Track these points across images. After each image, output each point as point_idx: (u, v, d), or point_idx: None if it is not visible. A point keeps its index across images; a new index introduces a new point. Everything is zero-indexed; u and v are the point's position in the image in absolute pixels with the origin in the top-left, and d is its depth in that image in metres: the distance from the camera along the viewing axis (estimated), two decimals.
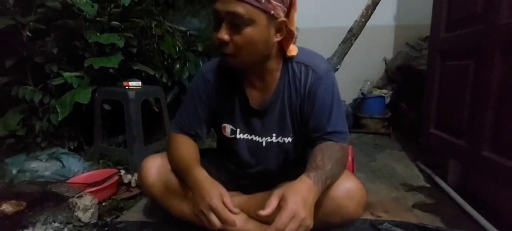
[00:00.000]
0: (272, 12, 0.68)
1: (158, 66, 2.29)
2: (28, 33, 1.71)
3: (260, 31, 0.69)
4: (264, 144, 0.88)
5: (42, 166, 1.33)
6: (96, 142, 1.73)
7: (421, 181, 1.48)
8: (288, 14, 0.72)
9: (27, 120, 1.78)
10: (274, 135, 0.87)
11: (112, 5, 1.85)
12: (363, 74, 2.76)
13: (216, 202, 0.66)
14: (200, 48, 2.65)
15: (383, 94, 2.49)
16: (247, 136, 0.89)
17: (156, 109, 2.10)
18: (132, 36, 1.83)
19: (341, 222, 0.77)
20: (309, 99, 0.80)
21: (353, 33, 1.67)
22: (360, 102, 2.55)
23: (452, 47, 1.30)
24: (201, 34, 2.81)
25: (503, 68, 0.99)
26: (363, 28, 1.70)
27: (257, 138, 0.88)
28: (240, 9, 0.65)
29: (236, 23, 0.67)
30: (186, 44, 2.60)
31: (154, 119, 2.11)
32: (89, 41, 1.67)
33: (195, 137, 0.89)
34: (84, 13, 1.71)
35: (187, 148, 0.86)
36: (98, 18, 1.77)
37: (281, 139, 0.87)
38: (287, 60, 0.81)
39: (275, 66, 0.80)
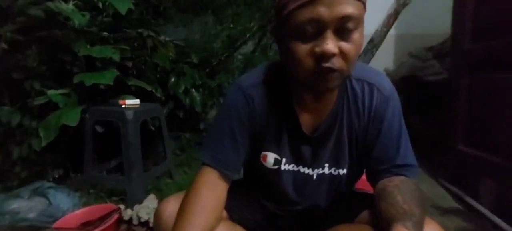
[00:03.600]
0: (365, 7, 0.54)
1: (151, 80, 2.10)
2: (4, 45, 1.48)
3: (363, 36, 0.56)
4: (315, 177, 0.73)
5: (24, 206, 1.11)
6: (86, 170, 1.50)
7: (451, 202, 1.38)
8: None
9: (3, 145, 1.53)
10: (326, 165, 0.72)
11: (104, 14, 1.66)
12: None
13: None
14: (195, 60, 2.49)
15: None
16: (293, 166, 0.73)
17: (153, 128, 1.90)
18: (128, 48, 1.63)
19: None
20: (374, 125, 0.66)
21: (374, 44, 1.59)
22: None
23: (483, 60, 1.23)
24: (195, 44, 2.66)
25: None
26: (384, 38, 1.62)
27: (306, 170, 0.73)
28: (354, 9, 0.51)
29: (346, 28, 0.52)
30: (179, 56, 2.42)
31: (150, 139, 1.91)
32: (79, 54, 1.46)
33: (232, 172, 0.71)
34: (72, 22, 1.51)
35: (203, 208, 0.64)
36: (87, 28, 1.57)
37: (335, 170, 0.72)
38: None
39: None
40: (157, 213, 0.73)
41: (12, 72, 1.53)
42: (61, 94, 1.51)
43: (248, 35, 2.72)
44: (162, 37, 2.27)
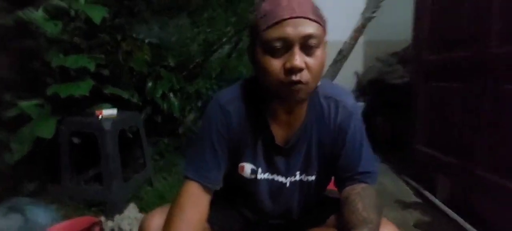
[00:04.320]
0: (325, 37, 0.63)
1: (127, 85, 2.08)
2: None
3: (325, 55, 0.64)
4: (288, 184, 0.80)
5: (1, 225, 1.08)
6: (63, 182, 1.48)
7: (412, 197, 1.54)
8: None
9: None
10: (298, 173, 0.80)
11: (76, 21, 1.63)
12: None
13: None
14: (171, 63, 2.48)
15: None
16: (268, 175, 0.80)
17: (130, 135, 1.89)
18: (102, 57, 1.62)
19: None
20: (340, 137, 0.75)
21: (343, 55, 1.70)
22: None
23: (439, 69, 1.38)
24: (171, 47, 2.64)
25: (493, 94, 1.06)
26: (352, 49, 1.74)
27: (280, 178, 0.80)
28: (316, 30, 0.59)
29: (310, 45, 0.60)
30: (156, 59, 2.41)
31: (127, 146, 1.90)
32: (52, 65, 1.43)
33: (213, 184, 0.77)
34: (44, 31, 1.47)
35: (187, 222, 0.69)
36: (59, 37, 1.54)
37: (304, 177, 0.80)
38: (313, 92, 0.75)
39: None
40: (142, 228, 0.77)
41: None
42: (34, 105, 1.48)
43: (224, 39, 2.76)
44: (138, 39, 2.25)
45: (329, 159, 0.78)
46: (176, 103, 2.26)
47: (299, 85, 0.62)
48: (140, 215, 1.29)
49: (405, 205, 1.44)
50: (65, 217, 1.31)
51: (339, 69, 1.76)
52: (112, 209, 1.37)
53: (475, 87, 1.14)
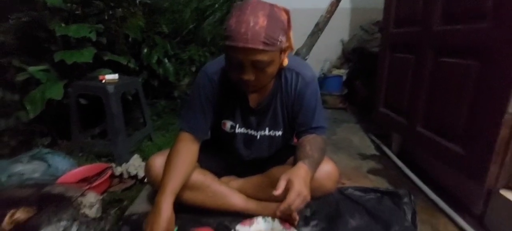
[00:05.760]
0: (283, 46, 0.81)
1: (123, 51, 2.22)
2: None
3: (276, 64, 0.83)
4: (258, 137, 1.05)
5: (28, 169, 1.33)
6: (74, 136, 1.72)
7: (372, 150, 1.82)
8: (287, 35, 0.86)
9: None
10: (267, 128, 1.04)
11: None
12: (323, 54, 3.02)
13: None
14: (165, 30, 2.59)
15: (340, 74, 2.80)
16: (243, 130, 1.05)
17: (130, 98, 2.10)
18: (102, 27, 1.76)
19: (321, 196, 1.01)
20: (298, 101, 0.98)
21: (320, 28, 1.87)
22: (321, 81, 2.83)
23: (398, 42, 1.58)
24: (165, 10, 2.71)
25: (432, 65, 1.28)
26: (328, 22, 1.90)
27: (253, 132, 1.05)
28: (264, 57, 0.77)
29: (259, 66, 0.78)
30: (150, 26, 2.52)
31: (128, 107, 2.11)
32: (56, 34, 1.58)
33: (201, 135, 1.01)
34: (46, 2, 1.60)
35: (181, 163, 0.93)
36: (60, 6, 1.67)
37: (272, 132, 1.05)
38: (280, 68, 0.96)
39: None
40: (148, 165, 1.03)
41: None
42: (41, 70, 1.66)
43: (216, 6, 2.85)
44: (131, 3, 2.32)
45: (290, 117, 1.02)
46: (171, 68, 2.41)
47: (250, 87, 0.85)
48: (143, 163, 1.55)
49: (365, 157, 1.72)
50: (79, 166, 1.56)
51: (316, 40, 1.93)
52: (118, 159, 1.63)
53: (420, 59, 1.35)
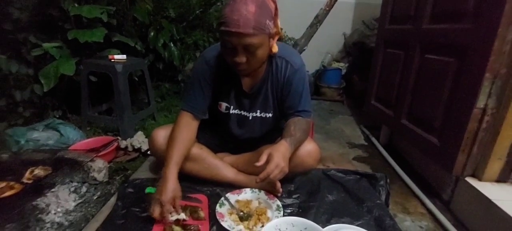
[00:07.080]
0: (271, 31, 0.91)
1: (131, 33, 2.33)
2: None
3: (266, 48, 0.92)
4: (250, 118, 1.16)
5: (43, 136, 1.47)
6: (83, 111, 1.84)
7: (361, 140, 1.93)
8: (275, 22, 0.95)
9: (4, 90, 1.79)
10: (258, 110, 1.15)
11: None
12: (325, 46, 3.09)
13: (164, 200, 0.90)
14: (172, 14, 2.67)
15: (340, 67, 2.88)
16: (237, 111, 1.16)
17: (136, 79, 2.22)
18: (112, 8, 1.87)
19: (303, 171, 1.13)
20: (287, 86, 1.08)
21: (319, 20, 1.94)
22: (321, 73, 2.92)
23: (391, 38, 1.66)
24: None
25: (419, 61, 1.37)
26: (327, 15, 1.97)
27: (245, 113, 1.16)
28: (254, 40, 0.86)
29: (250, 50, 0.88)
30: (157, 10, 2.60)
31: (133, 88, 2.23)
32: (70, 14, 1.69)
33: (200, 113, 1.13)
34: None
35: (182, 138, 1.04)
36: None
37: (263, 114, 1.16)
38: (271, 55, 1.06)
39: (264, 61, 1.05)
40: (152, 137, 1.16)
41: (2, 24, 1.72)
42: (55, 46, 1.77)
43: None
44: None
45: (279, 101, 1.13)
46: (176, 52, 2.51)
47: (243, 70, 0.95)
48: (146, 139, 1.67)
49: (353, 145, 1.83)
50: (88, 138, 1.69)
51: (314, 31, 2.01)
52: (124, 134, 1.76)
53: (408, 55, 1.44)
